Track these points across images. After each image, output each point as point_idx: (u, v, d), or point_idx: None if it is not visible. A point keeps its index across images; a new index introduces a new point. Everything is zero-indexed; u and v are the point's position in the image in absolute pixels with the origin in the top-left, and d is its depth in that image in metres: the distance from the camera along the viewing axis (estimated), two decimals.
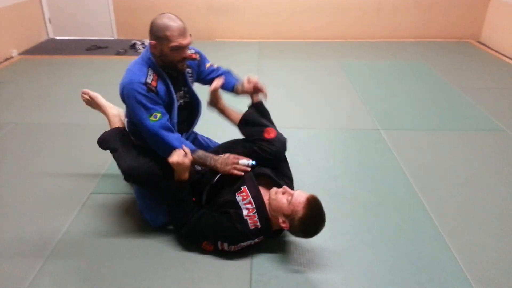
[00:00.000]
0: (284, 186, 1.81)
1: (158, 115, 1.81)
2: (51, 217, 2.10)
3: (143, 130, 1.84)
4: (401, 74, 4.26)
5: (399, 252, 1.89)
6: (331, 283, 1.72)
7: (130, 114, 1.91)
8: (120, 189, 2.32)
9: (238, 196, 1.83)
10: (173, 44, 1.78)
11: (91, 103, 2.34)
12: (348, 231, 2.02)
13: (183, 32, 1.79)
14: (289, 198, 1.73)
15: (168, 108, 1.91)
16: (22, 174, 2.46)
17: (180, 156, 1.81)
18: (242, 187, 1.85)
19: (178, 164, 1.81)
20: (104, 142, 2.12)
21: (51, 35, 5.58)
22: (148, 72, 1.84)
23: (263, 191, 1.86)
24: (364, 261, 1.84)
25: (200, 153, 1.92)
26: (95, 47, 5.04)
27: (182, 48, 1.81)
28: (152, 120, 1.80)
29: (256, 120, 2.10)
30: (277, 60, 4.69)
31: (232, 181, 1.91)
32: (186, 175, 1.87)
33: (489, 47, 5.21)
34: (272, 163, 2.01)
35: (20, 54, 4.82)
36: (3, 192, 2.29)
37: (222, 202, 1.86)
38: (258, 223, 1.78)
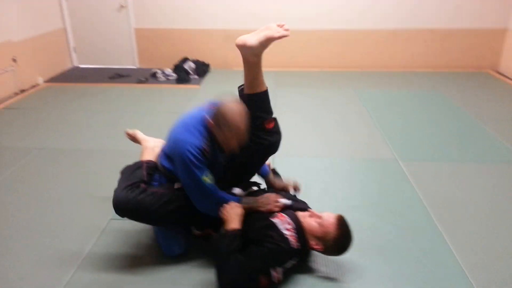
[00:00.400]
0: (310, 210, 1.90)
1: (209, 175, 1.86)
2: (72, 241, 2.13)
3: (196, 187, 1.85)
4: (418, 104, 4.26)
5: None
6: None
7: (179, 170, 1.90)
8: None
9: (274, 219, 1.85)
10: (233, 144, 1.86)
11: (134, 139, 2.47)
12: (366, 264, 1.99)
13: (245, 137, 1.86)
14: (319, 220, 1.81)
15: (211, 167, 1.93)
16: (44, 198, 2.52)
17: (234, 208, 1.86)
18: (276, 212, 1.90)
19: (235, 214, 1.85)
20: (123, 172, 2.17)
21: (75, 64, 5.80)
22: (204, 137, 1.86)
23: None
24: None
25: (245, 200, 1.95)
26: (118, 76, 5.20)
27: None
28: (205, 180, 1.84)
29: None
30: (293, 89, 4.75)
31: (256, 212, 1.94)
32: (237, 223, 1.84)
33: (508, 77, 5.18)
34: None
35: (46, 81, 5.01)
36: (25, 216, 2.35)
37: (258, 228, 1.84)
38: (298, 243, 1.80)
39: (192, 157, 1.79)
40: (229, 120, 1.78)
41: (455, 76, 5.25)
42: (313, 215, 1.86)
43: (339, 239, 1.79)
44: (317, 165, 2.96)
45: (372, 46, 5.53)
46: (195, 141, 1.82)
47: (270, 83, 5.21)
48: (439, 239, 2.17)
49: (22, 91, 4.61)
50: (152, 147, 2.30)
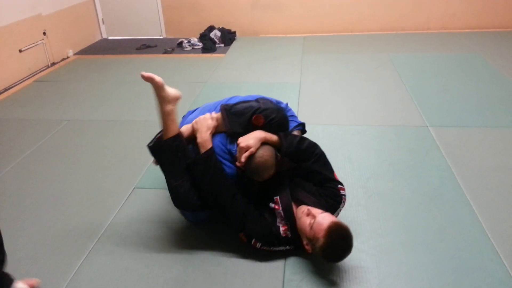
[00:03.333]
0: (309, 208, 1.74)
1: None
2: (97, 210, 2.21)
3: None
4: (454, 67, 4.02)
5: (441, 257, 1.78)
6: (366, 286, 1.66)
7: None
8: (163, 185, 2.38)
9: (271, 204, 1.82)
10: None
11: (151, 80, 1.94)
12: (388, 233, 1.94)
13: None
14: (311, 221, 1.67)
15: None
16: (72, 169, 2.61)
17: (206, 119, 1.87)
18: (275, 197, 1.83)
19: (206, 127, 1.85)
20: (156, 154, 1.92)
21: (104, 36, 5.86)
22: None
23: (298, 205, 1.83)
24: (402, 264, 1.76)
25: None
26: (145, 46, 5.22)
27: None
28: None
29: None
30: (321, 54, 4.60)
31: (275, 184, 1.89)
32: (208, 142, 1.84)
33: None
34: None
35: (75, 54, 5.11)
36: (54, 186, 2.44)
37: (260, 204, 1.86)
38: (289, 233, 1.76)
39: None
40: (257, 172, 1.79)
41: (496, 36, 4.90)
42: (309, 213, 1.70)
43: (326, 248, 1.60)
44: (344, 133, 2.88)
45: (407, 7, 5.22)
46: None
47: (298, 48, 5.05)
48: (467, 208, 2.08)
49: (53, 64, 4.72)
50: (172, 110, 1.93)
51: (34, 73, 4.39)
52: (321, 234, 1.61)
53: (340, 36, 5.30)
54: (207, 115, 1.93)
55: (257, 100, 1.98)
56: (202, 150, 1.83)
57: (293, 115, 2.20)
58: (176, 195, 1.83)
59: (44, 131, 3.11)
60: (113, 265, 1.83)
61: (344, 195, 1.89)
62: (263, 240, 1.77)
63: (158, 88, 1.90)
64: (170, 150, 1.85)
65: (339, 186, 1.90)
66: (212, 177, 1.79)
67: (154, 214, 2.15)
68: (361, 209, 2.09)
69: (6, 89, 3.99)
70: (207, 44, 5.03)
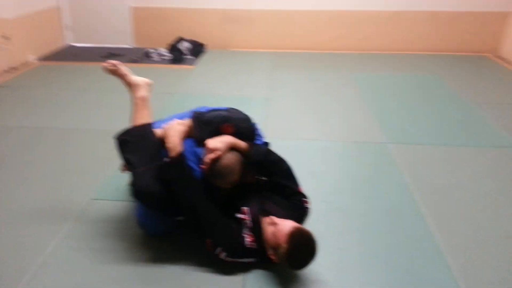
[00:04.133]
0: (271, 217, 1.75)
1: None
2: (49, 221, 2.11)
3: None
4: (415, 87, 4.17)
5: (397, 271, 1.82)
6: None
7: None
8: (121, 196, 2.32)
9: (238, 215, 1.81)
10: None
11: (115, 71, 2.06)
12: (347, 247, 1.96)
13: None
14: (274, 229, 1.68)
15: None
16: (25, 179, 2.50)
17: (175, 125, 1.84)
18: (243, 208, 1.83)
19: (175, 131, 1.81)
20: (122, 147, 1.88)
21: (70, 42, 5.72)
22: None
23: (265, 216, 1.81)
24: (357, 279, 1.78)
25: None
26: (111, 55, 5.13)
27: None
28: None
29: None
30: (290, 70, 4.67)
31: (242, 196, 1.89)
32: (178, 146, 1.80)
33: (508, 62, 5.06)
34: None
35: (39, 59, 4.95)
36: (2, 197, 2.32)
37: (226, 215, 1.83)
38: (255, 245, 1.75)
39: None
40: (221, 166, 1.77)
41: (455, 60, 5.14)
42: (272, 222, 1.71)
43: (289, 254, 1.61)
44: (308, 148, 2.92)
45: (373, 28, 5.41)
46: None
47: (267, 64, 5.09)
48: (421, 223, 2.13)
49: (13, 69, 4.55)
50: (145, 97, 2.00)
51: None
52: (283, 240, 1.61)
53: (308, 54, 5.41)
54: (177, 121, 1.91)
55: (227, 110, 2.00)
56: (172, 154, 1.79)
57: (259, 135, 2.21)
58: (141, 183, 1.73)
59: None
60: (64, 282, 1.74)
61: (308, 208, 1.91)
62: (229, 250, 1.73)
63: (123, 77, 1.95)
64: (140, 135, 1.83)
65: (303, 199, 1.92)
66: (185, 180, 1.76)
67: (110, 227, 2.08)
68: (320, 223, 2.11)
69: None
70: (176, 55, 5.01)
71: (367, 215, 2.20)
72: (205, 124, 1.91)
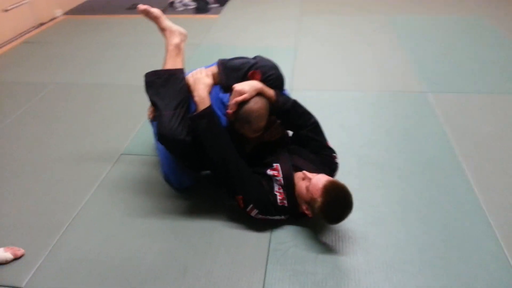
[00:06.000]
0: (303, 171, 1.68)
1: None
2: (81, 176, 2.14)
3: None
4: (458, 31, 3.85)
5: (433, 228, 1.74)
6: (352, 256, 1.62)
7: None
8: (150, 151, 2.31)
9: (269, 171, 1.75)
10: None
11: (147, 13, 1.95)
12: (378, 202, 1.89)
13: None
14: (307, 183, 1.62)
15: None
16: (57, 134, 2.52)
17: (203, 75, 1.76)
18: (274, 164, 1.77)
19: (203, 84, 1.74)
20: (150, 87, 1.80)
21: None
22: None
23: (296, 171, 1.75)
24: (392, 235, 1.71)
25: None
26: (135, 6, 4.99)
27: None
28: None
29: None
30: (319, 16, 4.39)
31: (269, 151, 1.83)
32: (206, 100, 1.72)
33: None
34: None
35: (65, 14, 4.90)
36: (38, 151, 2.37)
37: (256, 172, 1.78)
38: (286, 202, 1.70)
39: None
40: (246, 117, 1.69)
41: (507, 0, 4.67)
42: (305, 177, 1.65)
43: (324, 208, 1.56)
44: (339, 99, 2.78)
45: None
46: None
47: (295, 10, 4.81)
48: (461, 178, 2.01)
49: (41, 24, 4.53)
50: (180, 44, 1.92)
51: (22, 34, 4.22)
52: (318, 194, 1.57)
53: None
54: (203, 70, 1.82)
55: (255, 57, 1.90)
56: (201, 107, 1.71)
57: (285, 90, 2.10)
58: (165, 127, 1.67)
59: (29, 94, 3.00)
60: (97, 233, 1.78)
61: (338, 163, 1.85)
62: (261, 207, 1.70)
63: (156, 20, 1.90)
64: (170, 78, 1.77)
65: (333, 154, 1.85)
66: (215, 133, 1.70)
67: (139, 182, 2.09)
68: (352, 177, 2.03)
69: None
70: (200, 4, 4.82)
71: (402, 169, 2.09)
72: (232, 70, 1.82)
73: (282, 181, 1.72)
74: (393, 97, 2.78)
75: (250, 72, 1.79)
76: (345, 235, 1.72)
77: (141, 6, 1.88)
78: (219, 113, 1.79)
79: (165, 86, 1.78)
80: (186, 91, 1.78)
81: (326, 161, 1.83)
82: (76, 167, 2.22)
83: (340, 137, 2.35)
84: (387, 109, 2.65)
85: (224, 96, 1.83)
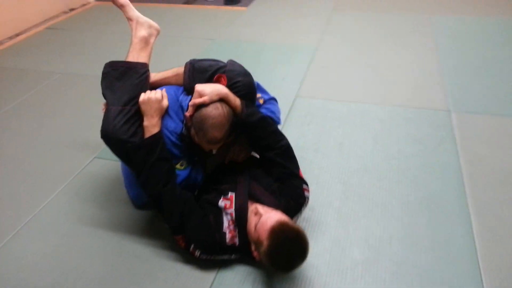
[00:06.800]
0: (256, 205, 1.44)
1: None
2: (52, 175, 2.06)
3: None
4: (506, 37, 3.32)
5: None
6: None
7: None
8: None
9: (222, 202, 1.52)
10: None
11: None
12: (352, 247, 1.60)
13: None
14: (257, 221, 1.37)
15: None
16: (44, 127, 2.47)
17: (158, 98, 1.54)
18: (229, 193, 1.54)
19: (156, 109, 1.53)
20: (104, 79, 1.64)
21: None
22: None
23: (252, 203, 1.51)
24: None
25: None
26: None
27: None
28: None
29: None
30: (353, 13, 4.01)
31: (230, 174, 1.62)
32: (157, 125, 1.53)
33: None
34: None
35: (97, 0, 4.91)
36: (21, 144, 2.33)
37: (206, 200, 1.57)
38: (236, 240, 1.47)
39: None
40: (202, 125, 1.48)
41: None
42: (257, 212, 1.41)
43: (269, 252, 1.31)
44: (345, 112, 2.46)
45: None
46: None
47: (327, 5, 4.36)
48: (465, 227, 1.67)
49: (72, 10, 4.56)
50: (147, 37, 1.74)
51: (49, 19, 4.27)
52: (264, 236, 1.32)
53: None
54: (159, 92, 1.59)
55: (228, 61, 1.69)
56: (147, 134, 1.51)
57: (264, 91, 1.85)
58: (108, 123, 1.50)
59: (32, 83, 2.99)
60: (41, 245, 1.69)
61: (307, 197, 1.57)
62: (204, 248, 1.47)
63: (122, 8, 1.75)
64: (126, 72, 1.61)
65: (304, 186, 1.58)
66: (153, 164, 1.48)
67: (103, 190, 1.97)
68: (331, 211, 1.76)
69: (17, 35, 3.91)
70: None
71: (394, 207, 1.78)
72: (198, 71, 1.64)
73: (234, 215, 1.49)
74: (409, 113, 2.41)
75: (216, 76, 1.60)
76: (303, 283, 1.46)
77: None
78: (173, 115, 1.60)
79: (120, 79, 1.60)
80: (145, 88, 1.59)
81: (292, 193, 1.56)
82: (49, 165, 2.15)
83: (333, 158, 2.06)
84: (398, 128, 2.30)
85: (184, 99, 1.63)
